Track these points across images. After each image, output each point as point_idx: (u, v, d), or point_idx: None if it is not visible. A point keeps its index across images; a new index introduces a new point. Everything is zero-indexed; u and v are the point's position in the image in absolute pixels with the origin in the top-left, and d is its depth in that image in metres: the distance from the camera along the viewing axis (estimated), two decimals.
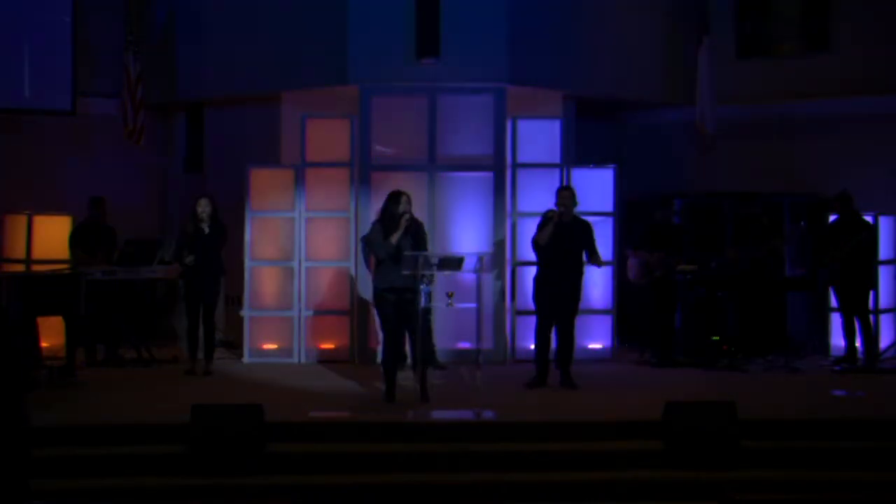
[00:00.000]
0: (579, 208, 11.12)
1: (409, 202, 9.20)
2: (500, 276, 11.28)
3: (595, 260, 9.98)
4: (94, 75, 12.70)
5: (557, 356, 9.85)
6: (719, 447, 7.87)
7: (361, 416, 8.50)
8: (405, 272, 8.87)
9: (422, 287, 8.80)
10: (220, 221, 10.50)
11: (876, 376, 10.67)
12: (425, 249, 9.29)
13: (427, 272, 8.87)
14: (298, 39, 11.61)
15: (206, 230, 10.35)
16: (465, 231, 11.30)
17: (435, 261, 8.94)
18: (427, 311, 9.34)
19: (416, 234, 9.27)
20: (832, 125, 12.51)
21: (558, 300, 9.79)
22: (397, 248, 9.03)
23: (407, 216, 9.10)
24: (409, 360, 9.65)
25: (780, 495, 7.56)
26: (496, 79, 11.28)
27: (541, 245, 9.83)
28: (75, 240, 11.26)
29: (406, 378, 9.54)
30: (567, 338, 9.82)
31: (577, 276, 9.89)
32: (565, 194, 9.93)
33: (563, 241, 9.72)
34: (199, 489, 7.47)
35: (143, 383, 10.03)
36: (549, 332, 9.83)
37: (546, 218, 9.92)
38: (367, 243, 9.51)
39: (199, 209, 10.38)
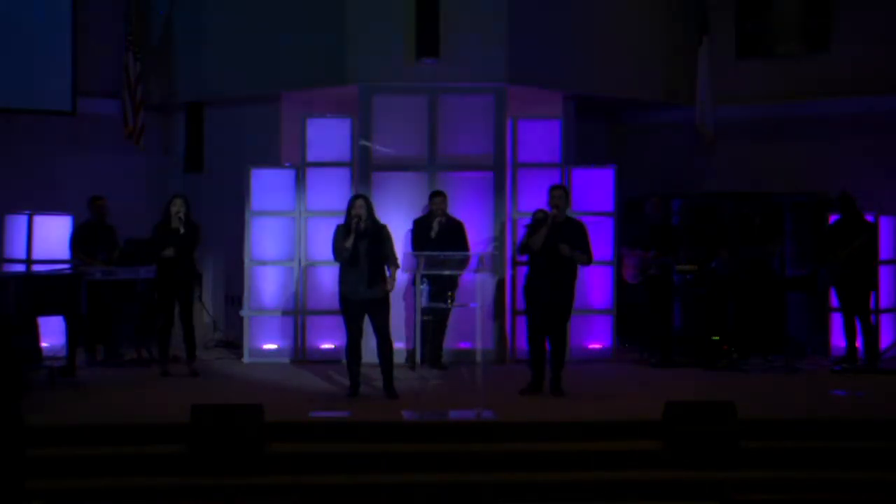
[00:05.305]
0: (579, 208, 11.10)
1: (363, 206, 9.18)
2: (501, 276, 11.28)
3: (585, 260, 9.48)
4: (94, 75, 12.69)
5: (551, 363, 9.50)
6: (719, 447, 7.87)
7: (361, 416, 8.49)
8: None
9: (422, 287, 8.78)
10: (193, 222, 10.45)
11: (876, 376, 10.68)
12: (388, 253, 9.23)
13: (425, 272, 8.86)
14: (298, 39, 11.61)
15: (182, 230, 10.30)
16: None
17: (434, 261, 8.94)
18: (432, 311, 9.35)
19: (376, 238, 9.19)
20: (832, 125, 12.51)
21: (551, 310, 9.31)
22: (353, 251, 9.10)
23: (357, 220, 9.11)
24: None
25: (779, 495, 7.56)
26: (496, 79, 11.28)
27: (533, 250, 9.33)
28: (77, 240, 11.25)
29: (410, 377, 9.66)
30: (559, 345, 9.41)
31: (571, 282, 9.39)
32: (559, 193, 9.35)
33: (557, 244, 9.22)
34: (199, 489, 7.47)
35: (143, 383, 10.02)
36: (543, 340, 9.39)
37: (536, 220, 9.53)
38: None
39: (174, 209, 10.32)
